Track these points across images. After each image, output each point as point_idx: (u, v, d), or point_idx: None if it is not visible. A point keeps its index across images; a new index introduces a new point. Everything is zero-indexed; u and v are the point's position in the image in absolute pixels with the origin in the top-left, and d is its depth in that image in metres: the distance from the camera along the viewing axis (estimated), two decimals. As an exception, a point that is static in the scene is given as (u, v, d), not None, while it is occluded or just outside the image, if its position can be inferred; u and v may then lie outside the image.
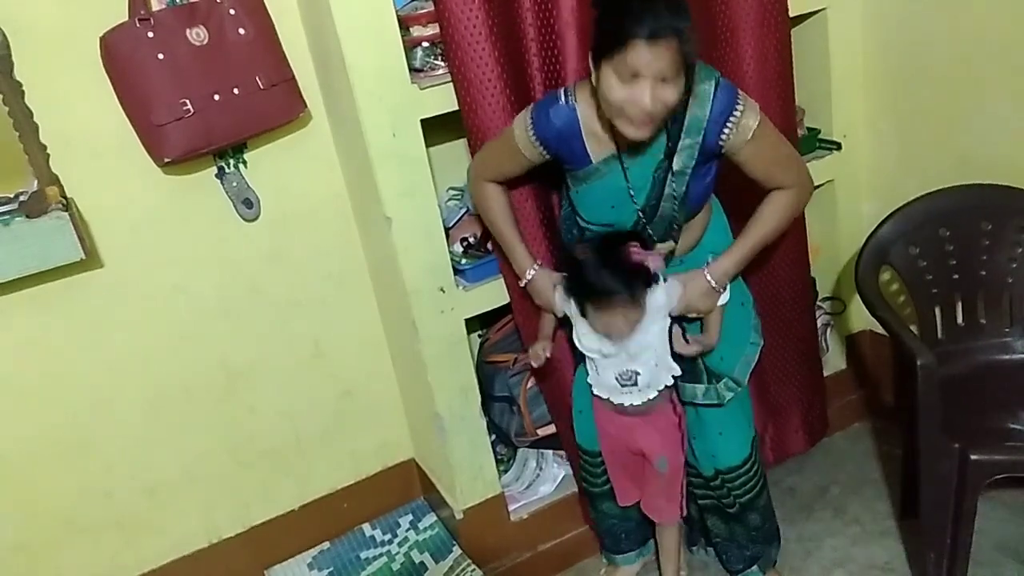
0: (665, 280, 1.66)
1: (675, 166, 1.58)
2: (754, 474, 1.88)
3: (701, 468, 1.88)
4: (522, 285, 1.80)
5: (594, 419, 1.86)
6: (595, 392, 1.79)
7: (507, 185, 1.77)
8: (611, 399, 1.77)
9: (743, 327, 1.83)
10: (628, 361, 1.70)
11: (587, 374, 1.80)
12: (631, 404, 1.75)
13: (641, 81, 1.41)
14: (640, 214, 1.64)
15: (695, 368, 1.79)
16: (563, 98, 1.59)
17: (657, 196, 1.61)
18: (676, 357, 1.73)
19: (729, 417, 1.83)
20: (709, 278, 1.67)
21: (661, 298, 1.65)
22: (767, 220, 1.67)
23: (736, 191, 1.73)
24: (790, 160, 1.68)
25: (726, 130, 1.55)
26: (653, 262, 1.62)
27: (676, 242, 1.69)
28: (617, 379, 1.72)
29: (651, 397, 1.74)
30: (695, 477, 1.91)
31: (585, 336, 1.71)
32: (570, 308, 1.71)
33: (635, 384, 1.72)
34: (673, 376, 1.74)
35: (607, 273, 1.59)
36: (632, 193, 1.62)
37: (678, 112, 1.53)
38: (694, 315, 1.72)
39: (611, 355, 1.70)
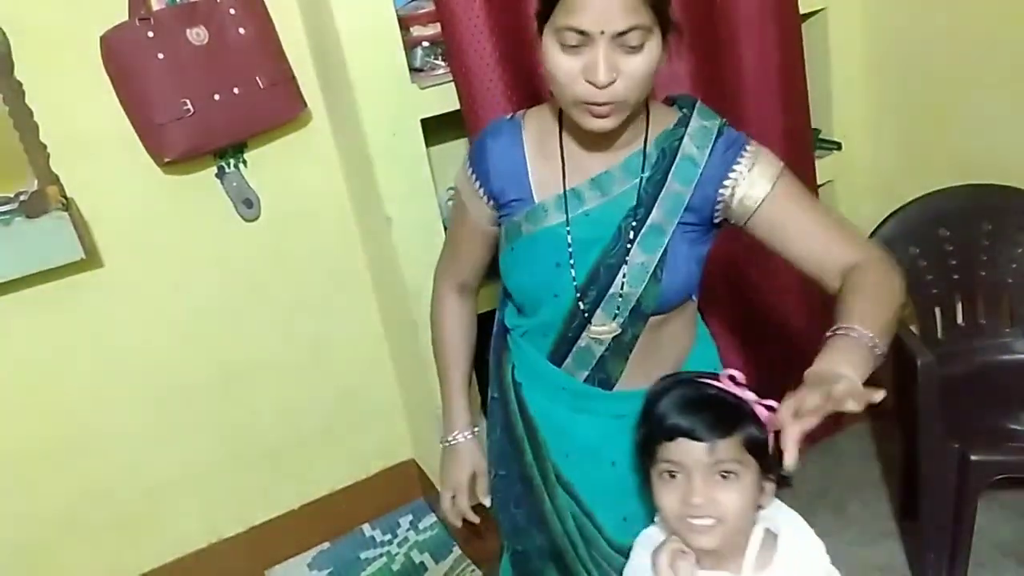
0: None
1: (652, 218, 1.13)
2: None
3: None
4: (440, 443, 1.45)
5: None
6: None
7: (472, 298, 1.42)
8: None
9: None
10: None
11: None
12: None
13: (593, 44, 1.01)
14: (580, 277, 1.16)
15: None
16: (511, 116, 1.23)
17: (617, 256, 1.14)
18: None
19: None
20: (866, 332, 1.00)
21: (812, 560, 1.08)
22: (875, 293, 1.06)
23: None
24: (842, 221, 1.18)
25: (730, 178, 1.12)
26: (768, 418, 1.02)
27: (623, 329, 1.18)
28: None
29: None
30: None
31: None
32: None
33: None
34: None
35: (676, 400, 1.06)
36: (571, 244, 1.15)
37: (666, 146, 1.14)
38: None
39: None
